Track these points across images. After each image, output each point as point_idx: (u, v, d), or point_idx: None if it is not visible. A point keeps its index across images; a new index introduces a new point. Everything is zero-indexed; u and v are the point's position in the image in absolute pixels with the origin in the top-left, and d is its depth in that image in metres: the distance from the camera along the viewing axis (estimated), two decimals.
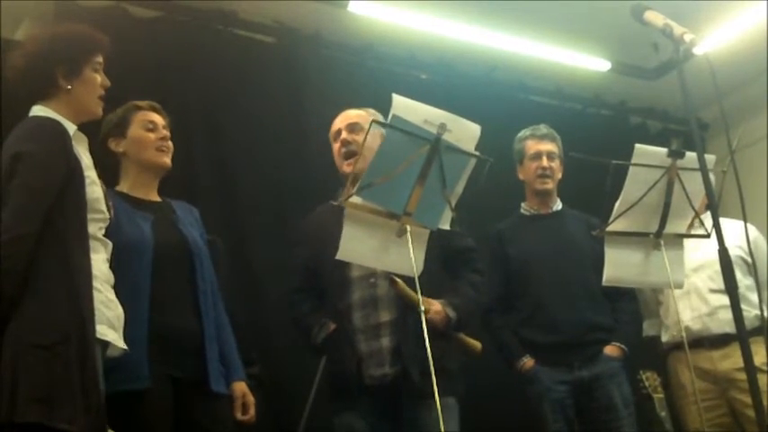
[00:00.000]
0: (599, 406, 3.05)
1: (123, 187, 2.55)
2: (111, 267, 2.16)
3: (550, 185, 3.29)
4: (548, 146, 3.29)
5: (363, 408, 2.57)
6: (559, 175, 3.33)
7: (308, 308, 2.75)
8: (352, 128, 2.79)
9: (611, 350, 3.10)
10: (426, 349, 2.43)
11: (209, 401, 2.40)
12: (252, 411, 2.55)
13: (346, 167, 2.73)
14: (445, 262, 2.75)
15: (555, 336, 3.09)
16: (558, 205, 3.36)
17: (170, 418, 2.30)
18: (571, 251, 3.20)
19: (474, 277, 2.79)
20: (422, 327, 2.46)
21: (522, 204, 3.40)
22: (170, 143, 2.60)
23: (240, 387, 2.54)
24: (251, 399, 2.55)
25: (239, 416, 2.52)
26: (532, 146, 3.31)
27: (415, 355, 2.48)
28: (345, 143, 2.78)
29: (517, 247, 3.24)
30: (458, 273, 2.80)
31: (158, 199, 2.62)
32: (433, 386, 2.41)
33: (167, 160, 2.58)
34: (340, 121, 2.84)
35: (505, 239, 3.27)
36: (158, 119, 2.60)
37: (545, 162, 3.26)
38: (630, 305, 3.27)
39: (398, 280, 2.52)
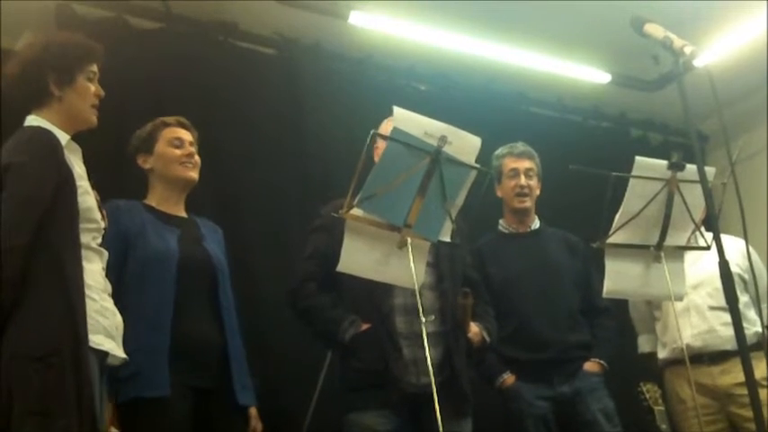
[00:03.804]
0: (582, 420, 3.03)
1: (151, 201, 2.61)
2: (137, 277, 2.31)
3: (528, 204, 3.26)
4: (525, 163, 3.25)
5: (392, 412, 2.54)
6: (537, 193, 3.31)
7: (329, 300, 2.67)
8: None
9: (590, 366, 3.10)
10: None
11: (230, 413, 2.45)
12: None
13: None
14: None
15: (536, 353, 3.07)
16: (537, 224, 3.34)
17: (187, 428, 2.33)
18: (550, 270, 3.19)
19: (489, 309, 2.87)
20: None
21: (501, 221, 3.36)
22: (197, 158, 2.66)
23: (253, 412, 2.60)
24: (260, 427, 2.61)
25: None
26: (510, 163, 3.26)
27: (465, 370, 2.54)
28: None
29: (497, 266, 3.21)
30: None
31: (185, 215, 2.67)
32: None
33: (193, 174, 2.63)
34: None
35: (485, 258, 3.22)
36: (185, 135, 2.67)
37: (523, 180, 3.23)
38: (609, 321, 3.25)
39: (470, 295, 2.59)
